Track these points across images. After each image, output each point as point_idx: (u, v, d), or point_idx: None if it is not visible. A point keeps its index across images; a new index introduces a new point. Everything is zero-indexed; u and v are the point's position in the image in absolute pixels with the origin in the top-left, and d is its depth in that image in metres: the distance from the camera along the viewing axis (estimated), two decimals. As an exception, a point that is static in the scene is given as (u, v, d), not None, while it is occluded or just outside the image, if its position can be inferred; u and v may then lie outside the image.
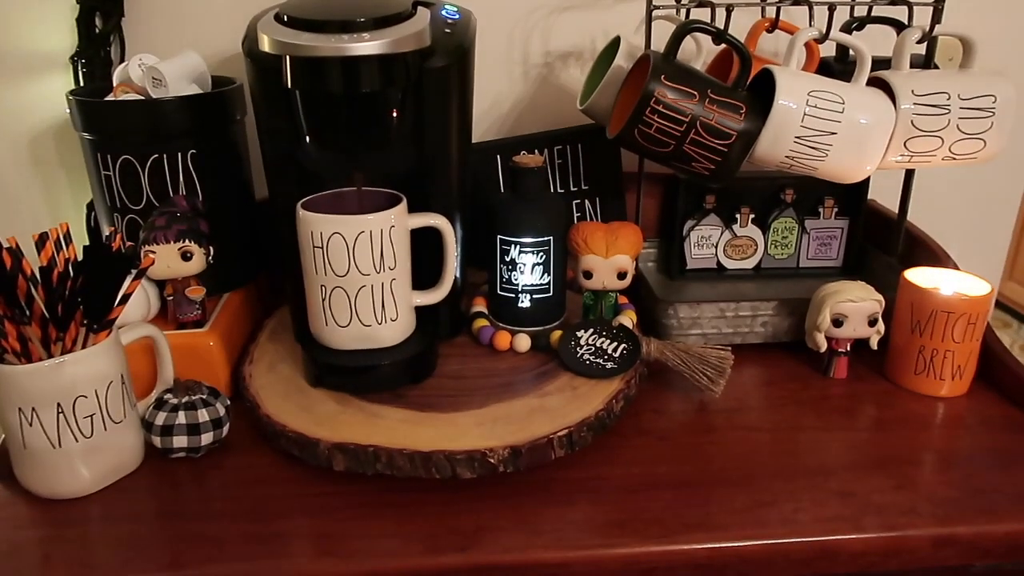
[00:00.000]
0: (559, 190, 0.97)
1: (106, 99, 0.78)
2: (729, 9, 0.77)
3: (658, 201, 1.00)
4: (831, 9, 0.75)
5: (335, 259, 0.67)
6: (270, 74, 0.65)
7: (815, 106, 0.72)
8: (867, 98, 0.74)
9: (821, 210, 0.96)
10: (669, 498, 0.62)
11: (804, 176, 0.77)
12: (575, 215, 0.98)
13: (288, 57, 0.62)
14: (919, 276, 0.78)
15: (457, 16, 0.72)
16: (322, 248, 0.66)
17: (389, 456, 0.62)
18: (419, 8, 0.67)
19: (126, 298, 0.63)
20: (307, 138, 0.68)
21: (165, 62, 0.78)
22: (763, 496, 0.62)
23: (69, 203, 0.99)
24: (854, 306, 0.76)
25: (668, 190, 0.99)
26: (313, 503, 0.62)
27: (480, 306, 0.83)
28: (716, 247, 0.97)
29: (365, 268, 0.67)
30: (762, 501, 0.62)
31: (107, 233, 0.63)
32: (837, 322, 0.76)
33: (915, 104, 0.73)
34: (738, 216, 0.96)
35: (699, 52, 0.87)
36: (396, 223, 0.68)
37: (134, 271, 0.64)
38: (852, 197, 0.95)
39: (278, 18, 0.64)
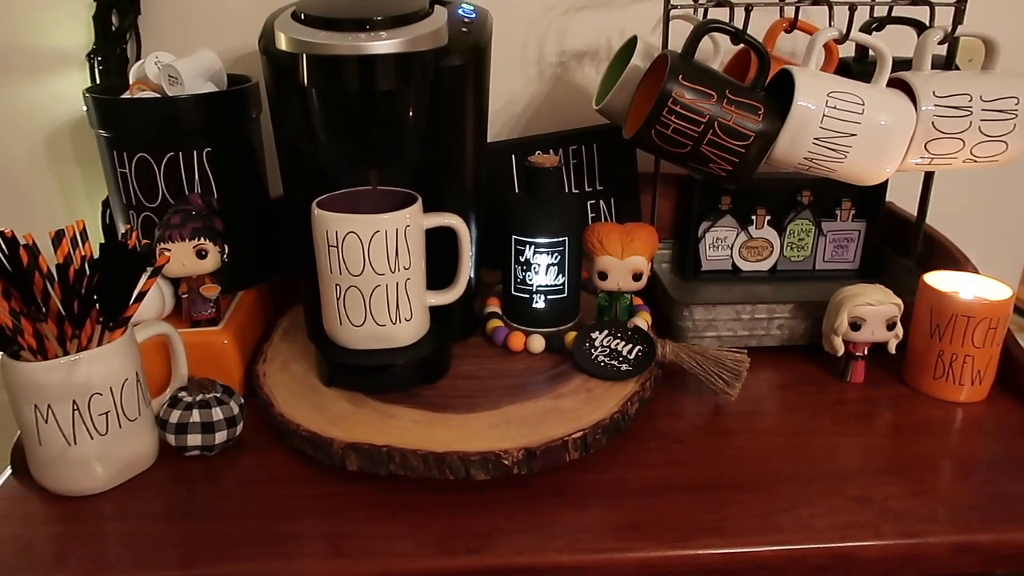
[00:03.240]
0: (574, 190, 0.97)
1: (122, 97, 0.78)
2: (748, 9, 0.77)
3: (673, 202, 0.99)
4: (851, 9, 0.74)
5: (350, 258, 0.66)
6: (286, 72, 0.65)
7: (834, 107, 0.71)
8: (887, 99, 0.73)
9: (838, 212, 0.95)
10: (684, 502, 0.62)
11: (821, 178, 0.76)
12: (590, 216, 0.98)
13: (305, 55, 0.62)
14: (938, 280, 0.77)
15: (474, 15, 0.72)
16: (337, 247, 0.66)
17: (403, 456, 0.62)
18: (436, 7, 0.67)
19: (142, 296, 0.63)
20: (323, 136, 0.68)
21: (181, 60, 0.78)
22: (779, 501, 0.62)
23: (84, 200, 1.00)
24: (872, 310, 0.75)
25: (683, 191, 0.98)
26: (326, 503, 0.62)
27: (494, 306, 0.83)
28: (731, 249, 0.96)
29: (380, 267, 0.67)
30: (778, 506, 0.61)
31: (123, 231, 0.63)
32: (855, 326, 0.76)
33: (936, 106, 0.72)
34: (754, 217, 0.95)
35: (716, 52, 0.86)
36: (411, 223, 0.67)
37: (150, 269, 0.64)
38: (870, 199, 0.94)
39: (295, 16, 0.64)
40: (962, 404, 0.75)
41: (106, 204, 0.93)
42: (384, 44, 0.60)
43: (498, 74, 0.92)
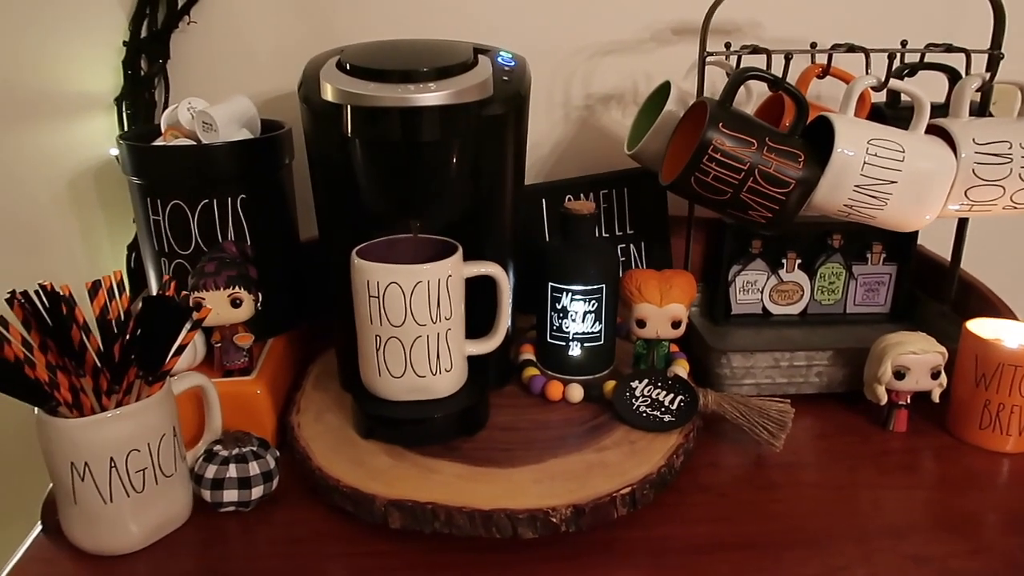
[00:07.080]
0: (604, 234, 0.96)
1: (156, 143, 0.77)
2: (788, 57, 0.76)
3: (703, 245, 0.98)
4: (891, 57, 0.74)
5: (391, 309, 0.65)
6: (328, 121, 0.64)
7: (875, 154, 0.71)
8: (927, 146, 0.73)
9: (869, 255, 0.95)
10: (736, 560, 0.60)
11: (854, 222, 0.76)
12: (620, 260, 0.97)
13: (350, 107, 0.61)
14: (981, 327, 0.76)
15: (513, 63, 0.71)
16: (378, 298, 0.65)
17: (448, 514, 0.60)
18: (480, 56, 0.66)
19: (181, 349, 0.61)
20: (365, 185, 0.67)
21: (216, 106, 0.77)
22: (834, 559, 0.60)
23: (107, 244, 0.99)
24: (916, 358, 0.74)
25: (713, 234, 0.97)
26: (366, 563, 0.60)
27: (528, 354, 0.82)
28: (762, 292, 0.96)
29: (421, 318, 0.66)
30: (834, 565, 0.59)
31: (160, 281, 0.62)
32: (899, 374, 0.74)
33: (976, 153, 0.72)
34: (784, 261, 0.95)
35: (749, 97, 0.87)
36: (453, 272, 0.67)
37: (191, 321, 0.62)
38: (901, 242, 0.93)
39: (340, 66, 0.64)
40: (1009, 455, 0.73)
41: (131, 248, 0.93)
42: (431, 96, 0.60)
43: (526, 118, 0.92)
